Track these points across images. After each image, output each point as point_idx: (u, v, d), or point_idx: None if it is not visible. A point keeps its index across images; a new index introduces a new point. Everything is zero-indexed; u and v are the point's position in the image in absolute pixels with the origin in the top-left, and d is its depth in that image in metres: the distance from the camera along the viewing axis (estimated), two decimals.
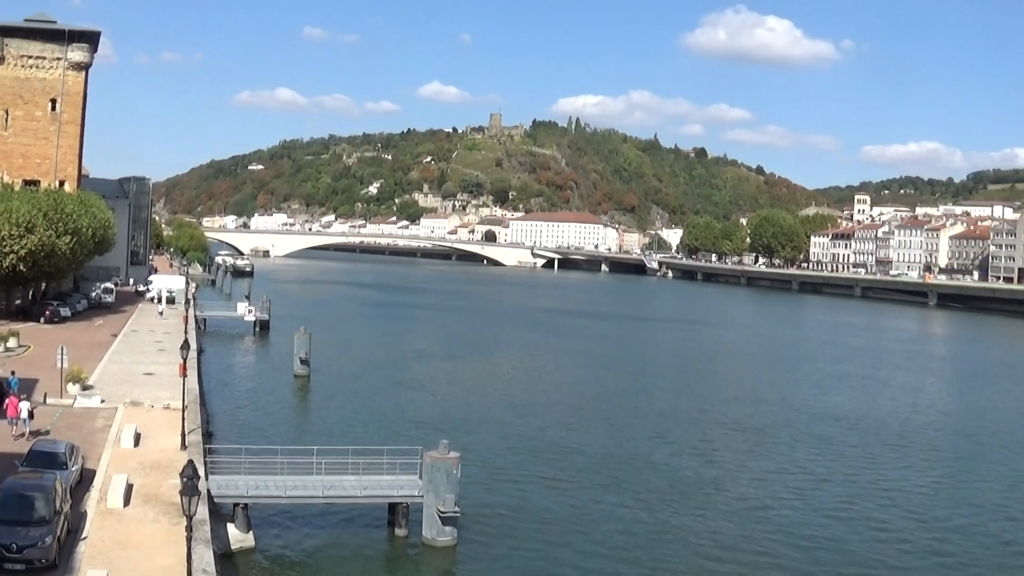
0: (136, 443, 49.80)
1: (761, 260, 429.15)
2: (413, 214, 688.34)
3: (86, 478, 43.69)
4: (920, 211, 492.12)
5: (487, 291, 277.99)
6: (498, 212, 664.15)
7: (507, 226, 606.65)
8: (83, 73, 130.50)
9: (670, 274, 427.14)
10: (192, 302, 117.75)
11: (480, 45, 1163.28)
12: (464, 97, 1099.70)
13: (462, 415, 80.00)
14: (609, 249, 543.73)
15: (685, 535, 50.57)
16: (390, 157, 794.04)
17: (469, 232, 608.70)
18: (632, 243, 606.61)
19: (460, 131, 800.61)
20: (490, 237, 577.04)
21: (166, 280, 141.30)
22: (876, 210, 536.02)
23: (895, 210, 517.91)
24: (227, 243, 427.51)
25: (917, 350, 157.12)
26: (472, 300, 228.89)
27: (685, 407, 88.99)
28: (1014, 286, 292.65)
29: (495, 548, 47.45)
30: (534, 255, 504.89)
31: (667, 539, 49.88)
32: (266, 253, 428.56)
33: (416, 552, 46.86)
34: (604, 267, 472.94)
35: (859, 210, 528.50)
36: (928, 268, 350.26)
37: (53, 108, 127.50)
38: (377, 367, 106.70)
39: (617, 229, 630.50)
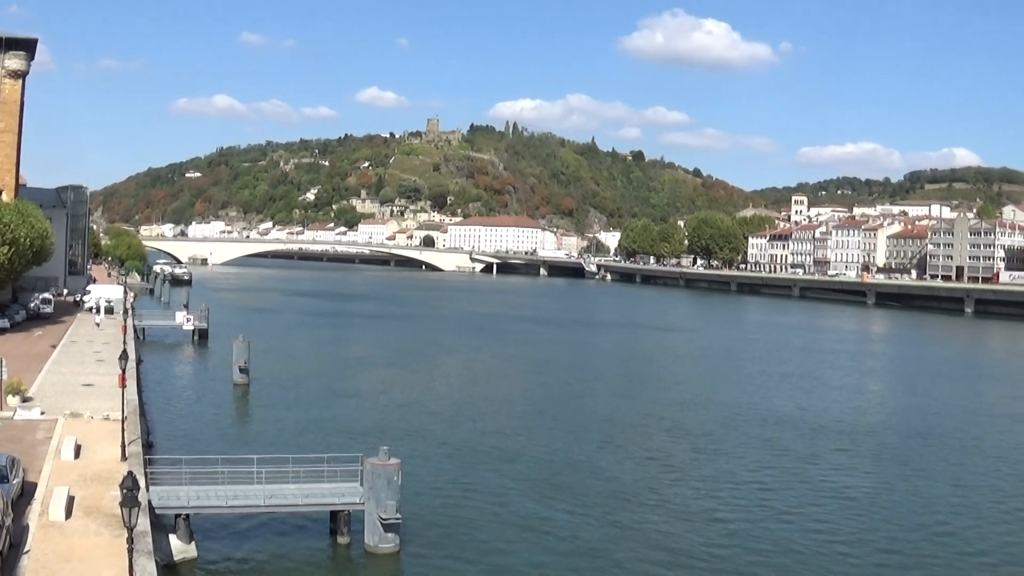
0: (77, 455, 49.39)
1: (699, 262, 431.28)
2: (351, 220, 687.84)
3: (27, 491, 43.09)
4: (858, 211, 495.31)
5: (426, 297, 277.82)
6: (436, 217, 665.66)
7: (445, 231, 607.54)
8: (20, 81, 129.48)
9: (609, 277, 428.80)
10: (130, 312, 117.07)
11: (418, 50, 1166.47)
12: (402, 102, 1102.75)
13: (403, 422, 79.78)
14: (546, 253, 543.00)
15: (630, 540, 50.56)
16: (328, 163, 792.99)
17: (407, 238, 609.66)
18: (570, 246, 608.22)
19: (398, 136, 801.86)
20: (428, 242, 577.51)
21: (104, 290, 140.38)
22: (814, 211, 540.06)
23: (833, 210, 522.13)
24: (165, 251, 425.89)
25: (858, 349, 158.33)
26: (411, 306, 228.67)
27: (628, 411, 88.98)
28: (952, 284, 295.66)
29: (438, 554, 47.30)
30: (473, 260, 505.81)
31: (611, 544, 49.74)
32: (204, 261, 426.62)
33: (359, 559, 46.68)
34: (543, 271, 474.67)
35: (796, 211, 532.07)
36: (866, 268, 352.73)
37: None
38: (317, 375, 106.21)
39: (555, 233, 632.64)
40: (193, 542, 45.41)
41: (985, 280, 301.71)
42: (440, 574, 45.55)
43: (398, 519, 46.62)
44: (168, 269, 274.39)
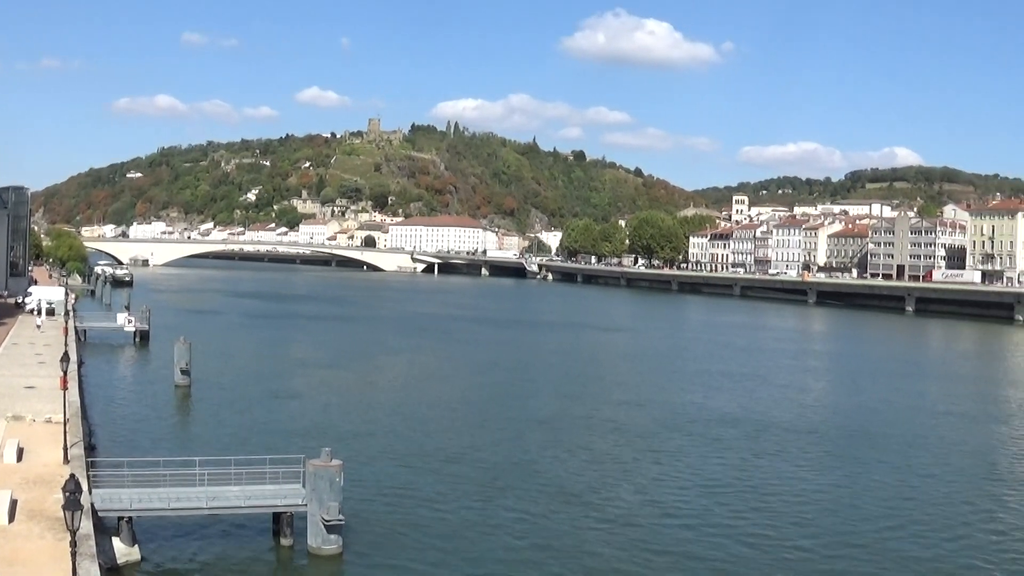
0: (19, 458, 49.04)
1: (640, 261, 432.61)
2: (292, 220, 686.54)
3: None
4: (798, 210, 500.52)
5: (368, 297, 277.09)
6: (377, 217, 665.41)
7: (387, 231, 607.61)
8: None
9: (550, 277, 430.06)
10: (71, 313, 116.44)
11: (360, 50, 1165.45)
12: (344, 102, 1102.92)
13: (346, 423, 79.54)
14: (487, 252, 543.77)
15: (574, 541, 50.56)
16: (269, 163, 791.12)
17: (348, 238, 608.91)
18: (512, 246, 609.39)
19: (339, 136, 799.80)
20: (370, 243, 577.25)
21: (45, 291, 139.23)
22: (754, 210, 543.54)
23: (773, 210, 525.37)
24: (106, 252, 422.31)
25: (800, 348, 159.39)
26: (353, 307, 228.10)
27: (572, 411, 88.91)
28: (892, 283, 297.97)
29: (381, 556, 47.19)
30: (414, 260, 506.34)
31: (555, 545, 49.78)
32: (145, 262, 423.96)
33: (302, 561, 46.48)
34: (484, 271, 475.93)
35: (737, 210, 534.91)
36: (807, 266, 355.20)
37: None
38: (259, 376, 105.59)
39: (497, 233, 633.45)
40: (136, 545, 45.07)
41: (917, 279, 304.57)
42: (384, 575, 45.45)
43: (341, 520, 46.35)
44: (109, 270, 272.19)
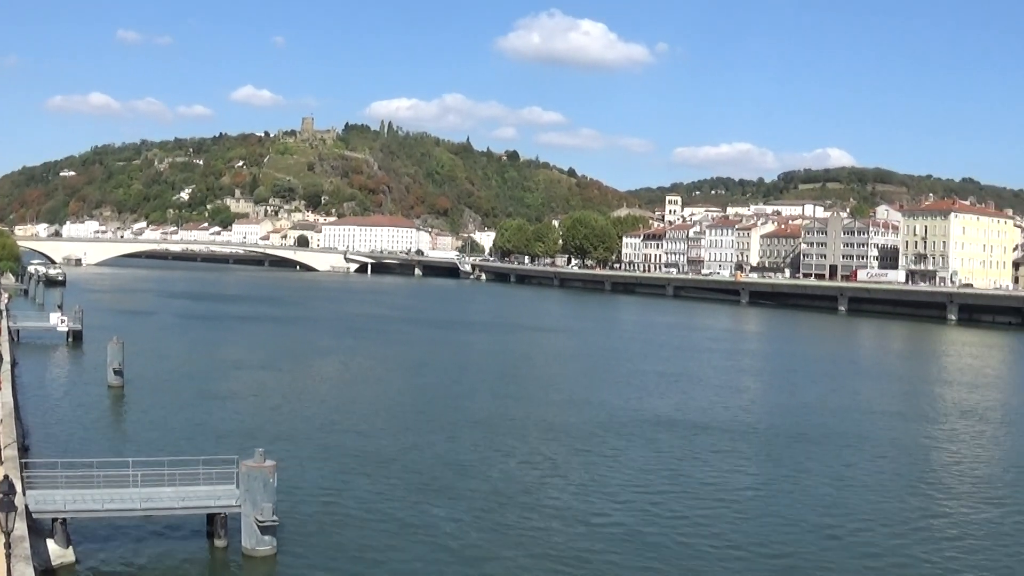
0: None
1: (574, 262, 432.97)
2: (225, 220, 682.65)
3: None
4: (731, 211, 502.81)
5: (301, 297, 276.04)
6: (311, 217, 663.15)
7: (320, 231, 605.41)
8: None
9: (483, 277, 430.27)
10: (4, 313, 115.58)
11: (294, 48, 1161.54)
12: (278, 101, 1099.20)
13: (280, 424, 79.37)
14: (421, 252, 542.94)
15: (508, 542, 50.70)
16: (202, 162, 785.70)
17: (282, 237, 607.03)
18: (445, 246, 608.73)
19: (272, 135, 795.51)
20: (303, 242, 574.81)
21: None
22: (688, 211, 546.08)
23: (706, 210, 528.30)
24: (39, 252, 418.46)
25: (734, 348, 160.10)
26: (286, 307, 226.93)
27: (506, 413, 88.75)
28: (825, 283, 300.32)
29: (316, 556, 47.21)
30: (347, 260, 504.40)
31: (489, 546, 49.90)
32: (78, 262, 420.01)
33: (236, 562, 46.38)
34: (418, 271, 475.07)
35: (670, 211, 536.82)
36: (739, 267, 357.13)
37: None
38: (191, 377, 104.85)
39: (430, 232, 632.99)
40: (71, 546, 44.83)
41: (845, 278, 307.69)
42: (308, 567, 45.75)
43: (275, 521, 46.29)
44: (42, 270, 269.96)
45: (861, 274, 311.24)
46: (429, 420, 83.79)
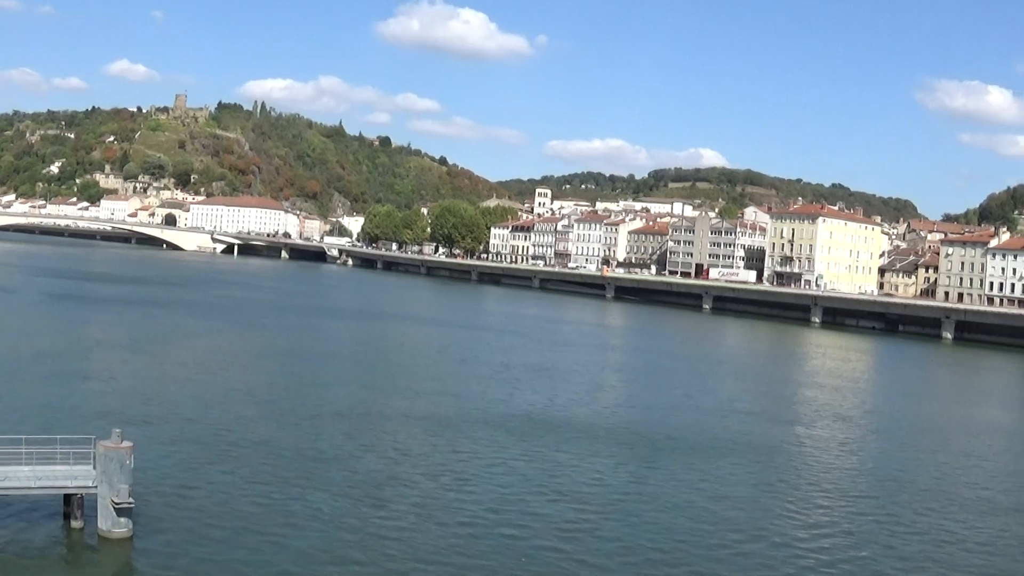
0: None
1: (441, 250, 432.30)
2: (94, 195, 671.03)
3: None
4: (600, 206, 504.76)
5: (167, 277, 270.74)
6: (179, 195, 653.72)
7: (188, 210, 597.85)
8: None
9: (350, 262, 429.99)
10: None
11: (172, 23, 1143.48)
12: (153, 76, 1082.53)
13: (142, 406, 77.16)
14: (289, 235, 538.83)
15: (366, 531, 49.73)
16: (73, 136, 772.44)
17: (150, 215, 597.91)
18: (313, 230, 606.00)
19: (145, 111, 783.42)
20: (170, 221, 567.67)
21: None
22: (557, 204, 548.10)
23: (576, 204, 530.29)
24: None
25: (600, 343, 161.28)
26: (152, 287, 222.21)
27: (370, 403, 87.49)
28: (690, 280, 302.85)
29: (172, 539, 46.08)
30: (214, 240, 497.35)
31: (348, 534, 48.98)
32: None
33: (91, 544, 45.08)
34: (284, 254, 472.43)
35: (540, 203, 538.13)
36: (606, 261, 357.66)
37: None
38: (52, 356, 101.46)
39: (298, 216, 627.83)
40: None
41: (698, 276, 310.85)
42: (174, 559, 44.14)
43: (131, 503, 44.97)
44: None
45: (713, 272, 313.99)
46: (292, 408, 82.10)
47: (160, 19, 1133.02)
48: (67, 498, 46.55)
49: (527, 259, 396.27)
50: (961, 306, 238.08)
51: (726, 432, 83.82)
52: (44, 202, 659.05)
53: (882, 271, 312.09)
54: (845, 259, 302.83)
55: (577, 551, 48.55)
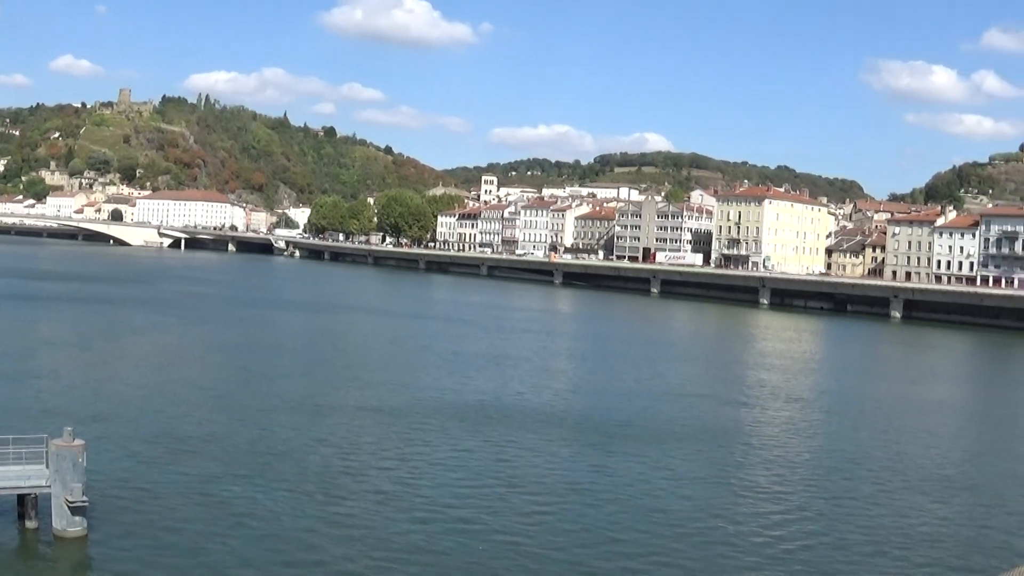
0: None
1: (388, 239, 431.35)
2: (40, 192, 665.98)
3: None
4: (547, 192, 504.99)
5: (115, 273, 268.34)
6: (125, 190, 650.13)
7: (134, 205, 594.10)
8: None
9: (297, 254, 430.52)
10: None
11: (115, 18, 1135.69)
12: (97, 71, 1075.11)
13: (93, 404, 76.51)
14: (235, 228, 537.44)
15: (320, 524, 49.45)
16: (18, 133, 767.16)
17: (96, 211, 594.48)
18: (260, 222, 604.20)
19: (89, 107, 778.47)
20: (117, 216, 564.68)
21: None
22: (503, 191, 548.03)
23: (522, 191, 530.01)
24: None
25: (549, 329, 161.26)
26: (100, 284, 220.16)
27: (322, 395, 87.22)
28: (637, 265, 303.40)
29: (127, 538, 45.71)
30: (161, 235, 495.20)
31: (306, 529, 48.66)
32: None
33: (46, 544, 44.79)
34: (231, 247, 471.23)
35: (486, 191, 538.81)
36: (554, 248, 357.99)
37: None
38: (1, 357, 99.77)
39: (245, 208, 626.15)
40: None
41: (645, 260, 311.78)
42: (129, 557, 43.79)
43: (85, 502, 44.71)
44: None
45: (660, 256, 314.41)
46: (243, 403, 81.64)
47: (104, 13, 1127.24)
48: (21, 498, 46.19)
49: (474, 247, 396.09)
50: (909, 285, 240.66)
51: (679, 416, 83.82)
52: None
53: (829, 252, 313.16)
54: (792, 240, 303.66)
55: (534, 539, 48.49)
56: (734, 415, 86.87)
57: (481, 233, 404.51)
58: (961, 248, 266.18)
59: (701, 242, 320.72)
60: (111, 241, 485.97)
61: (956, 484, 64.76)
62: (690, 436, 75.55)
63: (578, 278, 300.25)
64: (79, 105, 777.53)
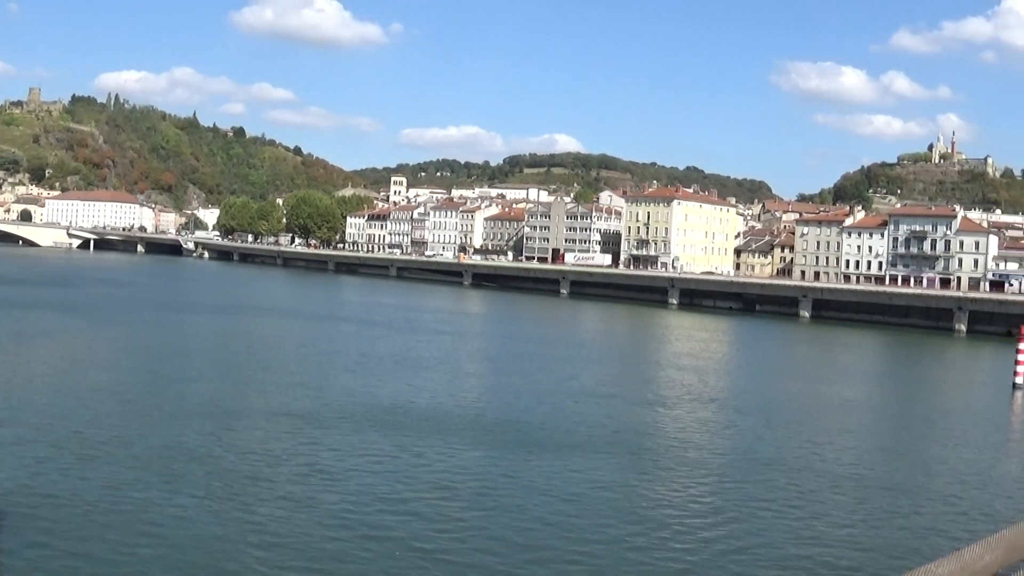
0: None
1: (298, 241, 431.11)
2: None
3: None
4: (456, 193, 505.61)
5: (22, 274, 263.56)
6: (34, 191, 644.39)
7: (43, 205, 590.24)
8: None
9: (207, 255, 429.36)
10: None
11: (27, 16, 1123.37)
12: (8, 70, 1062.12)
13: None
14: (144, 229, 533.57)
15: (239, 532, 48.53)
16: None
17: (5, 211, 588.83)
18: (169, 223, 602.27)
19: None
20: (26, 216, 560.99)
21: None
22: (413, 192, 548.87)
23: (431, 192, 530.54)
24: None
25: (460, 330, 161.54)
26: (5, 286, 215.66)
27: (235, 398, 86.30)
28: (547, 266, 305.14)
29: (33, 549, 44.40)
30: (70, 235, 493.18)
31: (218, 537, 47.65)
32: None
33: None
34: (140, 248, 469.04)
35: (396, 191, 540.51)
36: (463, 249, 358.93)
37: None
38: None
39: (154, 209, 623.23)
40: None
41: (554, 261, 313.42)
42: (34, 569, 42.54)
43: None
44: None
45: (569, 257, 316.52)
46: (153, 407, 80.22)
47: (15, 12, 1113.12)
48: None
49: (384, 248, 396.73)
50: (817, 284, 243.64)
51: (594, 418, 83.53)
52: None
53: (738, 252, 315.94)
54: (701, 241, 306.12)
55: (450, 547, 47.80)
56: (650, 416, 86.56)
57: (390, 234, 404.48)
58: (870, 248, 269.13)
59: (610, 243, 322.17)
60: (20, 242, 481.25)
61: (872, 484, 64.86)
62: (606, 439, 75.11)
63: (488, 279, 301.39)
64: None
